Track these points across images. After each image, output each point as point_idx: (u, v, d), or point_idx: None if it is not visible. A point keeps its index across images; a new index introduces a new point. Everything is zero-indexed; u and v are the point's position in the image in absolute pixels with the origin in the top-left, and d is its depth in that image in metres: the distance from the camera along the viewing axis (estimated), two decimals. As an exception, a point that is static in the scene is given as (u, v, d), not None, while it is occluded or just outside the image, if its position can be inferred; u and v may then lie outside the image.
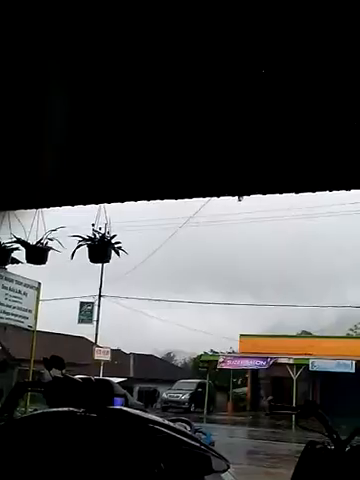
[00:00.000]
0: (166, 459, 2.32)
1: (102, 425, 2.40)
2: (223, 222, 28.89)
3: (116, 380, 19.58)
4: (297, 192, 2.04)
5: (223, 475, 2.73)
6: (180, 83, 1.60)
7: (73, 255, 4.09)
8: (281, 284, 47.35)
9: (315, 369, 29.05)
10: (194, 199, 2.24)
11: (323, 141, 1.80)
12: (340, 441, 3.14)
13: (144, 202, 2.22)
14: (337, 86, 1.56)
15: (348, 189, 1.95)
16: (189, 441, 2.54)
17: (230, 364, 30.92)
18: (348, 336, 38.26)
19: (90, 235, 4.04)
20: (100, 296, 30.67)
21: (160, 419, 2.68)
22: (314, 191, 2.02)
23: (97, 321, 30.67)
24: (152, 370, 35.27)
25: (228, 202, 2.33)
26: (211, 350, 37.01)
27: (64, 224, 4.31)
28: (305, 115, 1.70)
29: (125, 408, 2.60)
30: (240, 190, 2.13)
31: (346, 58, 1.45)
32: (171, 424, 2.67)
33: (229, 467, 2.79)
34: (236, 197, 2.20)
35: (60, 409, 2.55)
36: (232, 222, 28.96)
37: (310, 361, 28.91)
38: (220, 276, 45.24)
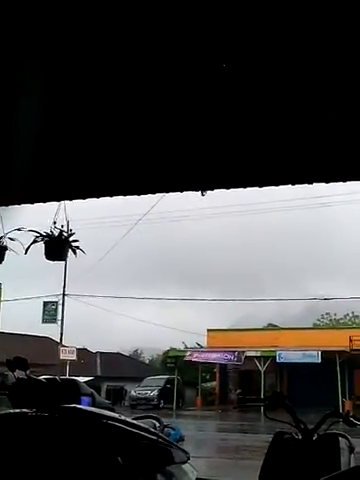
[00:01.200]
0: (124, 453, 2.32)
1: (55, 424, 2.39)
2: (187, 217, 28.97)
3: (83, 379, 19.43)
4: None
5: (183, 466, 2.76)
6: (151, 75, 1.59)
7: (27, 251, 4.02)
8: (247, 278, 47.80)
9: (282, 361, 29.54)
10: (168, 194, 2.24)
11: (318, 132, 1.81)
12: (307, 430, 3.22)
13: (112, 199, 2.20)
14: (328, 78, 1.57)
15: (345, 180, 1.98)
16: (147, 435, 2.56)
17: (198, 358, 31.11)
18: (314, 327, 39.05)
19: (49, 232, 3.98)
20: (64, 295, 30.33)
21: (116, 415, 2.68)
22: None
23: (62, 320, 30.35)
24: (119, 368, 35.13)
25: (192, 197, 2.34)
26: (184, 344, 37.16)
27: (33, 223, 4.24)
28: (298, 107, 1.71)
29: (78, 405, 2.58)
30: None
31: (339, 51, 1.47)
32: (128, 419, 2.68)
33: (189, 458, 2.83)
34: (199, 192, 2.20)
35: (11, 411, 2.53)
36: (196, 217, 29.04)
37: (277, 353, 29.37)
38: (186, 271, 45.37)
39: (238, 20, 1.39)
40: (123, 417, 2.67)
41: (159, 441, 2.60)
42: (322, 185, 2.08)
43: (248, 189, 2.15)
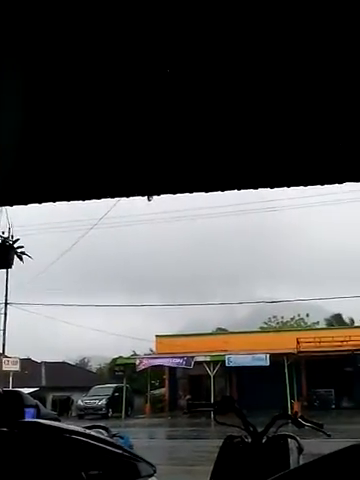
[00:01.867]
0: (88, 468, 2.28)
1: (15, 440, 2.31)
2: (139, 222, 28.81)
3: (27, 391, 18.90)
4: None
5: (150, 479, 2.74)
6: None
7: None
8: (194, 283, 48.19)
9: (231, 365, 29.88)
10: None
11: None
12: (257, 433, 3.25)
13: (61, 204, 2.14)
14: (319, 78, 1.57)
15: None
16: (112, 449, 2.52)
17: (146, 365, 31.00)
18: (262, 330, 39.75)
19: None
20: (6, 304, 29.49)
21: (79, 428, 2.62)
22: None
23: (4, 330, 29.47)
24: (66, 378, 34.50)
25: (137, 203, 2.31)
26: (133, 351, 36.90)
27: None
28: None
29: (39, 420, 2.52)
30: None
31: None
32: (92, 433, 2.63)
33: (156, 471, 2.80)
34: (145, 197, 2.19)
35: None
36: (140, 223, 28.90)
37: (226, 357, 29.69)
38: (132, 278, 45.14)
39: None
40: (87, 431, 2.61)
41: (124, 454, 2.56)
42: (269, 189, 2.10)
43: (195, 194, 2.14)
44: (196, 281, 49.11)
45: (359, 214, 47.43)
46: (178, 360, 30.59)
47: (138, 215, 22.92)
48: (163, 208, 20.85)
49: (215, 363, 29.99)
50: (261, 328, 41.99)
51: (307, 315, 44.20)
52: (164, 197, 2.14)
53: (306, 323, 44.12)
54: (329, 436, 3.50)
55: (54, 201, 2.13)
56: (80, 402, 31.48)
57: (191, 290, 46.72)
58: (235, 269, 51.03)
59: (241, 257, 50.27)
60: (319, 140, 1.86)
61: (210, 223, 42.72)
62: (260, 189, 2.08)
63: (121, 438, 4.47)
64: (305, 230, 50.31)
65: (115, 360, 35.55)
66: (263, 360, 28.70)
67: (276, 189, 2.11)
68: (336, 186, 2.10)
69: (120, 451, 2.59)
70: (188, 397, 31.39)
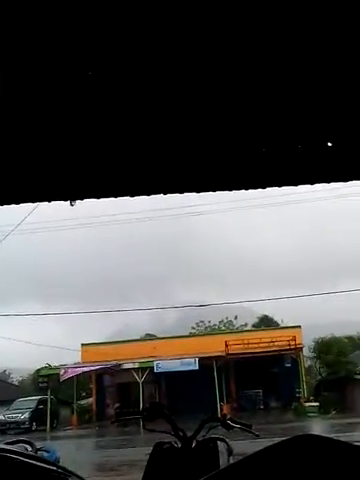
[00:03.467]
0: None
1: None
2: (52, 229, 28.17)
3: None
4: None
5: None
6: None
7: None
8: (118, 289, 47.97)
9: (160, 370, 29.96)
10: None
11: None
12: (186, 438, 3.28)
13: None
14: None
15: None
16: (42, 465, 2.45)
17: (72, 374, 30.42)
18: (190, 334, 40.17)
19: None
20: None
21: (5, 446, 2.53)
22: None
23: None
24: (-15, 392, 33.23)
25: (57, 208, 2.27)
26: (57, 363, 36.02)
27: None
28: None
29: None
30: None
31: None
32: (14, 449, 2.54)
33: None
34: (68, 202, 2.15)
35: None
36: (61, 229, 28.33)
37: (155, 363, 29.73)
38: (52, 286, 44.18)
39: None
40: (14, 448, 2.52)
41: (51, 469, 2.49)
42: (192, 195, 2.13)
43: (116, 199, 2.13)
44: (120, 287, 48.94)
45: (277, 218, 49.23)
46: (105, 368, 30.28)
47: (58, 220, 22.52)
48: (84, 213, 20.56)
49: (144, 370, 29.95)
50: (190, 332, 42.45)
51: (235, 318, 45.18)
52: (86, 202, 2.12)
53: (234, 326, 45.08)
54: (257, 436, 3.59)
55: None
56: (1, 416, 30.37)
57: (116, 297, 46.46)
58: (158, 274, 51.42)
59: (163, 262, 50.75)
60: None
61: (130, 228, 42.53)
62: (202, 193, 2.10)
63: (47, 452, 4.37)
64: (223, 234, 51.55)
65: (38, 371, 34.62)
66: (192, 364, 29.00)
67: (194, 195, 2.13)
68: (256, 192, 2.17)
69: (46, 466, 2.53)
70: (116, 405, 31.13)
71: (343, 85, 1.69)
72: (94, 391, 33.70)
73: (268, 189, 2.14)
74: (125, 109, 1.73)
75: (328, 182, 2.14)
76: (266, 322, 43.57)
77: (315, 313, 36.41)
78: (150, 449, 3.37)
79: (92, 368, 30.66)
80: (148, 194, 2.07)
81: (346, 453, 0.67)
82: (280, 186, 2.19)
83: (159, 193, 2.09)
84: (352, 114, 1.82)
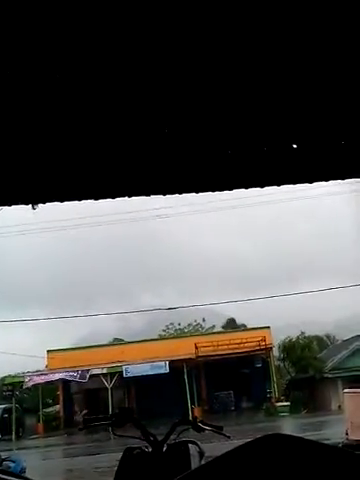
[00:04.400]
0: None
1: None
2: (6, 235, 27.62)
3: None
4: (295, 183, 2.08)
5: None
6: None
7: None
8: (82, 295, 47.48)
9: (129, 375, 29.84)
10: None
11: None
12: (157, 442, 3.26)
13: None
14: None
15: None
16: (3, 476, 2.40)
17: (37, 382, 30.02)
18: (160, 338, 40.13)
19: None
20: None
21: None
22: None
23: None
24: None
25: (17, 213, 2.22)
26: (23, 370, 35.42)
27: None
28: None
29: None
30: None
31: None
32: None
33: None
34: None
35: None
36: (16, 234, 27.76)
37: (124, 368, 29.60)
38: (13, 291, 43.29)
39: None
40: None
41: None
42: (156, 198, 2.13)
43: (76, 203, 2.11)
44: (84, 292, 48.46)
45: (238, 220, 49.91)
46: (72, 374, 29.96)
47: (19, 225, 22.15)
48: (44, 218, 20.21)
49: (112, 375, 29.79)
50: (159, 336, 42.40)
51: (203, 320, 45.36)
52: (47, 206, 2.10)
53: (203, 328, 45.27)
54: (229, 437, 3.60)
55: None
56: (-36, 428, 29.77)
57: (81, 302, 45.94)
58: (122, 279, 51.23)
59: (128, 266, 50.56)
60: (279, 140, 1.93)
61: (92, 232, 42.12)
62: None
63: (12, 462, 4.30)
64: (187, 238, 51.83)
65: (3, 379, 34.00)
66: (162, 368, 28.99)
67: (152, 198, 2.14)
68: (219, 195, 2.20)
69: (11, 477, 2.48)
70: (84, 412, 30.85)
71: (308, 89, 1.72)
72: (61, 398, 33.30)
73: (232, 192, 2.18)
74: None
75: (294, 184, 2.18)
76: (232, 325, 43.81)
77: (282, 314, 36.86)
78: (120, 455, 3.35)
79: (58, 375, 30.31)
80: (147, 194, 2.08)
81: (313, 452, 0.68)
82: (247, 188, 2.22)
83: (158, 194, 2.09)
84: (316, 117, 1.86)
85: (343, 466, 0.66)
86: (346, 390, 11.85)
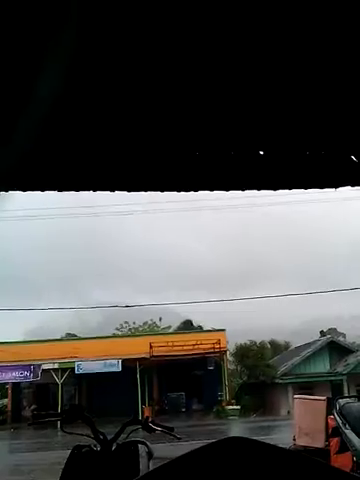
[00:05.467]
0: None
1: None
2: None
3: None
4: (259, 189, 2.10)
5: None
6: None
7: None
8: (31, 287, 46.56)
9: (81, 372, 29.56)
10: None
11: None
12: (106, 441, 3.25)
13: None
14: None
15: (306, 188, 2.09)
16: None
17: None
18: (114, 335, 39.89)
19: None
20: None
21: None
22: (275, 189, 2.11)
23: None
24: None
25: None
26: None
27: None
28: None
29: None
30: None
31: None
32: None
33: None
34: None
35: None
36: None
37: (76, 364, 29.29)
38: None
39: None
40: None
41: None
42: (110, 194, 2.14)
43: (19, 194, 2.10)
44: (34, 286, 47.57)
45: (197, 223, 50.34)
46: (23, 371, 29.40)
47: None
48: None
49: (64, 370, 29.44)
50: (114, 333, 42.15)
51: (160, 319, 45.34)
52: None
53: (159, 327, 45.25)
54: (179, 439, 3.61)
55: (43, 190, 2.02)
56: None
57: (31, 296, 45.01)
58: (75, 273, 50.68)
59: (79, 261, 50.04)
60: (279, 146, 1.95)
61: (42, 225, 41.32)
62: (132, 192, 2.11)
63: None
64: (144, 237, 51.74)
65: None
66: (115, 366, 28.84)
67: (98, 194, 2.15)
68: (178, 196, 2.23)
69: None
70: (33, 407, 30.40)
71: (279, 99, 1.75)
72: (10, 392, 32.70)
73: (189, 194, 2.20)
74: (121, 108, 1.72)
75: (258, 189, 2.22)
76: (188, 327, 43.94)
77: (240, 318, 37.21)
78: (68, 452, 3.31)
79: (8, 379, 29.71)
80: (112, 190, 2.07)
81: (271, 455, 0.69)
82: (212, 190, 2.24)
83: (123, 190, 2.09)
84: (283, 126, 1.90)
85: (300, 470, 0.68)
86: (296, 396, 12.05)
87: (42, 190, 2.02)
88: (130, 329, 45.49)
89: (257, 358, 32.88)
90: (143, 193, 2.09)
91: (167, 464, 0.69)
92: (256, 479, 0.67)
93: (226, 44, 1.50)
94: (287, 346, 43.78)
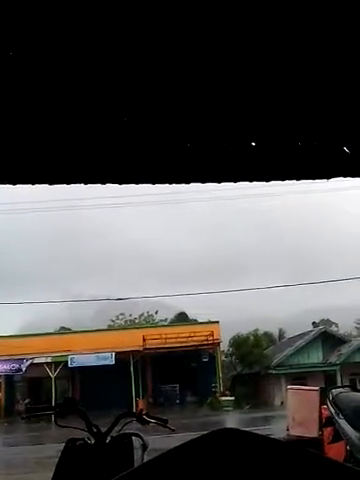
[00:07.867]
0: None
1: None
2: None
3: None
4: (251, 181, 2.09)
5: None
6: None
7: None
8: (20, 281, 46.38)
9: (74, 365, 29.59)
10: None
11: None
12: (100, 434, 3.26)
13: None
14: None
15: (298, 179, 2.09)
16: None
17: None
18: (108, 329, 39.91)
19: None
20: None
21: None
22: (268, 180, 2.10)
23: None
24: None
25: None
26: None
27: None
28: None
29: None
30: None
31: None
32: None
33: None
34: None
35: None
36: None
37: (69, 357, 29.31)
38: None
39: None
40: None
41: None
42: (95, 187, 2.14)
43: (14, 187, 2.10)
44: (24, 279, 47.41)
45: (184, 215, 50.34)
46: (14, 364, 29.35)
47: None
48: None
49: (57, 364, 29.44)
50: (108, 326, 42.17)
51: (156, 312, 45.38)
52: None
53: (155, 320, 45.30)
54: (173, 431, 3.63)
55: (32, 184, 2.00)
56: None
57: (24, 289, 44.87)
58: (65, 267, 50.62)
59: (69, 255, 49.97)
60: (271, 137, 1.95)
61: (26, 219, 41.07)
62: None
63: None
64: (131, 230, 51.76)
65: None
66: (109, 359, 28.87)
67: (98, 187, 2.15)
68: (164, 188, 2.24)
69: None
70: (27, 401, 30.42)
71: (271, 91, 1.75)
72: (3, 386, 32.68)
73: (176, 186, 2.20)
74: (111, 101, 1.71)
75: (250, 181, 2.22)
76: (183, 319, 44.02)
77: (234, 309, 37.35)
78: (62, 445, 3.32)
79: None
80: (137, 183, 2.07)
81: (263, 446, 0.69)
82: (203, 182, 2.24)
83: (115, 183, 2.08)
84: (275, 117, 1.90)
85: (294, 461, 0.68)
86: (289, 387, 12.14)
87: (32, 183, 2.01)
88: (125, 321, 45.49)
89: (252, 349, 33.01)
90: (133, 185, 2.08)
91: (159, 456, 0.69)
92: (249, 470, 0.67)
93: (218, 35, 1.50)
94: (282, 337, 43.97)
